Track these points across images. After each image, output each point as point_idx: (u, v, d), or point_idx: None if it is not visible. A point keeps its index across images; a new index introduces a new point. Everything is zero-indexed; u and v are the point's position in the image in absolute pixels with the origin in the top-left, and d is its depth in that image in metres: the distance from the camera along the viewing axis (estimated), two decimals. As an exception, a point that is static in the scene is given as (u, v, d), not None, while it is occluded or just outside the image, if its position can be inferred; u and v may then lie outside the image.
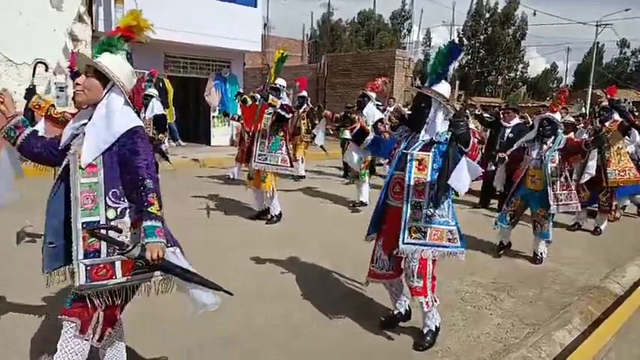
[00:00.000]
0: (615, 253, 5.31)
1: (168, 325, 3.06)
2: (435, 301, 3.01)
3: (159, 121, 6.93)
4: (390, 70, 16.92)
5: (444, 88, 2.87)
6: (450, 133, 2.65)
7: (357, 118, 6.54)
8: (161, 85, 12.26)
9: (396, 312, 3.29)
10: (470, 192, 8.16)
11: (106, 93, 2.13)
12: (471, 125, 7.60)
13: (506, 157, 5.04)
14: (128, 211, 2.10)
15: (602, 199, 6.18)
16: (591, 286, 4.27)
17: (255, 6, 13.49)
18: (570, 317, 3.58)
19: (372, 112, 6.61)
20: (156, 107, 6.94)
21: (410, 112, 3.22)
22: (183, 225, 5.77)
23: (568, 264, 4.87)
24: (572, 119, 7.03)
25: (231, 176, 8.63)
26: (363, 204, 6.92)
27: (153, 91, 7.24)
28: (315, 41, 35.58)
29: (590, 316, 3.69)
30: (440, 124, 2.86)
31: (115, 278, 2.07)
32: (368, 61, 17.82)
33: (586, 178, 5.87)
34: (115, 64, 2.14)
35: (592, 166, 5.75)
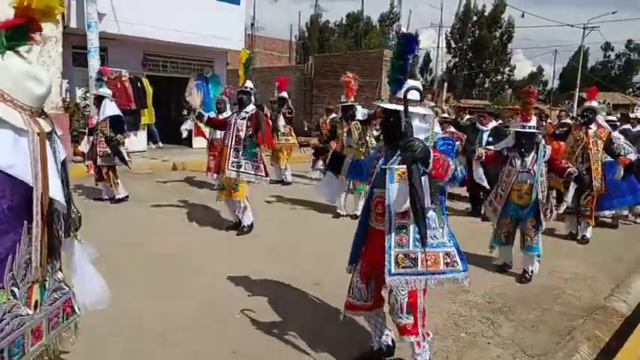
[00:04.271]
0: (616, 266, 4.97)
1: None
2: (428, 335, 2.60)
3: (116, 122, 6.55)
4: (377, 71, 16.55)
5: (411, 94, 2.36)
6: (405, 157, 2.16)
7: (341, 129, 6.43)
8: (139, 84, 11.77)
9: (376, 347, 2.85)
10: (460, 198, 7.91)
11: None
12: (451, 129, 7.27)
13: (483, 153, 4.62)
14: None
15: (583, 202, 5.79)
16: (595, 305, 3.90)
17: (238, 3, 13.04)
18: (577, 345, 3.19)
19: (361, 116, 6.52)
20: (108, 108, 6.56)
21: (380, 129, 2.75)
22: (149, 234, 5.39)
23: (568, 280, 4.50)
24: (570, 121, 6.69)
25: (217, 186, 8.11)
26: (356, 217, 6.53)
27: (105, 91, 6.77)
28: (304, 43, 35.21)
29: (599, 342, 3.32)
30: (418, 131, 2.40)
31: None
32: (355, 62, 17.41)
33: (563, 207, 5.61)
34: None
35: (570, 196, 5.51)
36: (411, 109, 2.30)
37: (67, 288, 1.97)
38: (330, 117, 8.43)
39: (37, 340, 1.81)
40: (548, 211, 4.45)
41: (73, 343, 2.03)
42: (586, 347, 3.19)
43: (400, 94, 2.36)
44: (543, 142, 4.43)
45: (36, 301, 1.79)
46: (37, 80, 1.67)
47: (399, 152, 2.42)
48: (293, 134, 9.40)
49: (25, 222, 1.69)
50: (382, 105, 2.51)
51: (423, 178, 2.17)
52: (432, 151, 2.18)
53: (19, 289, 1.70)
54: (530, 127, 4.28)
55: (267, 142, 5.35)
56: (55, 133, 1.84)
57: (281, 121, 9.00)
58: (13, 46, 1.63)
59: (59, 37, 9.43)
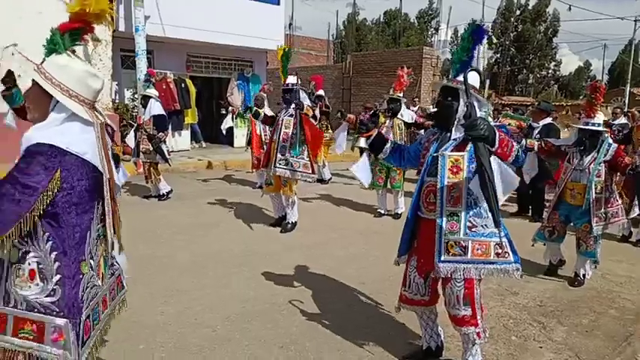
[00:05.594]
0: (675, 270, 4.72)
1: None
2: (485, 331, 2.55)
3: (159, 121, 6.81)
4: (417, 69, 16.31)
5: (471, 77, 2.44)
6: (470, 137, 2.19)
7: (383, 122, 6.30)
8: (183, 85, 12.11)
9: (424, 346, 2.83)
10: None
11: (53, 106, 1.76)
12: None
13: (536, 145, 4.38)
14: (30, 256, 1.74)
15: None
16: (654, 311, 3.72)
17: (278, 4, 13.17)
18: (635, 351, 3.06)
19: (408, 118, 6.37)
20: (154, 107, 6.84)
21: (435, 109, 2.77)
22: (196, 231, 5.56)
23: (622, 283, 4.31)
24: (625, 119, 6.37)
25: (259, 184, 8.23)
26: (398, 215, 6.47)
27: (152, 91, 7.09)
28: (341, 41, 35.17)
29: (658, 349, 3.17)
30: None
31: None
32: (394, 60, 17.25)
33: (636, 213, 5.44)
34: (55, 66, 1.76)
35: None
36: (472, 91, 2.33)
37: (117, 264, 2.15)
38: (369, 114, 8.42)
39: (105, 309, 2.01)
40: (602, 212, 4.09)
41: (118, 313, 2.17)
42: (645, 354, 3.05)
43: (461, 77, 2.35)
44: (609, 140, 4.14)
45: (102, 274, 1.97)
46: (95, 76, 1.86)
47: (453, 138, 2.47)
48: (330, 130, 9.45)
49: (96, 202, 1.88)
50: (444, 82, 2.54)
51: (493, 160, 2.20)
52: (497, 130, 2.17)
53: (93, 261, 1.89)
54: (593, 125, 4.02)
55: (314, 143, 5.38)
56: (107, 124, 2.01)
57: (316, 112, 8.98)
58: (70, 47, 1.83)
59: (109, 40, 9.83)
